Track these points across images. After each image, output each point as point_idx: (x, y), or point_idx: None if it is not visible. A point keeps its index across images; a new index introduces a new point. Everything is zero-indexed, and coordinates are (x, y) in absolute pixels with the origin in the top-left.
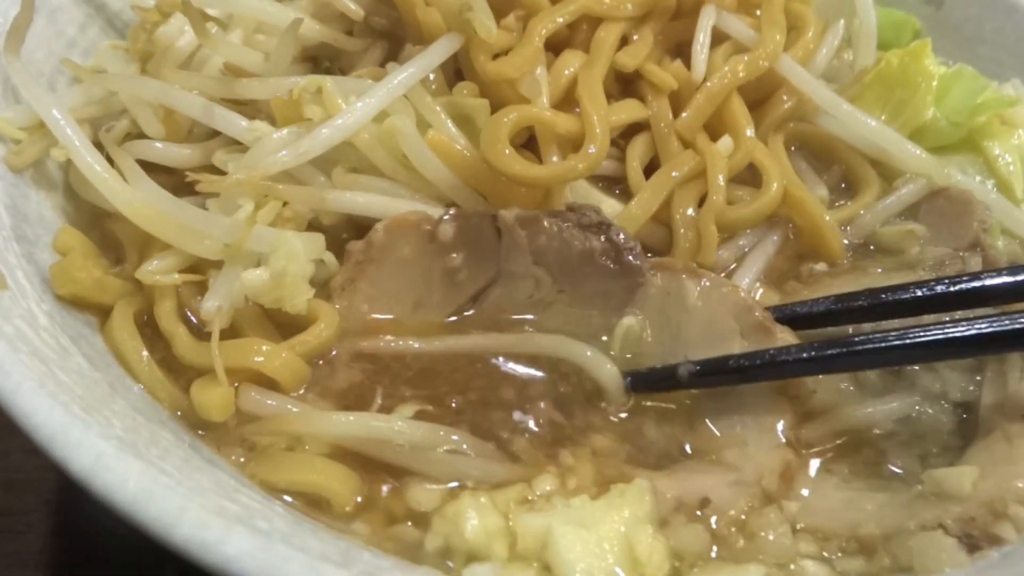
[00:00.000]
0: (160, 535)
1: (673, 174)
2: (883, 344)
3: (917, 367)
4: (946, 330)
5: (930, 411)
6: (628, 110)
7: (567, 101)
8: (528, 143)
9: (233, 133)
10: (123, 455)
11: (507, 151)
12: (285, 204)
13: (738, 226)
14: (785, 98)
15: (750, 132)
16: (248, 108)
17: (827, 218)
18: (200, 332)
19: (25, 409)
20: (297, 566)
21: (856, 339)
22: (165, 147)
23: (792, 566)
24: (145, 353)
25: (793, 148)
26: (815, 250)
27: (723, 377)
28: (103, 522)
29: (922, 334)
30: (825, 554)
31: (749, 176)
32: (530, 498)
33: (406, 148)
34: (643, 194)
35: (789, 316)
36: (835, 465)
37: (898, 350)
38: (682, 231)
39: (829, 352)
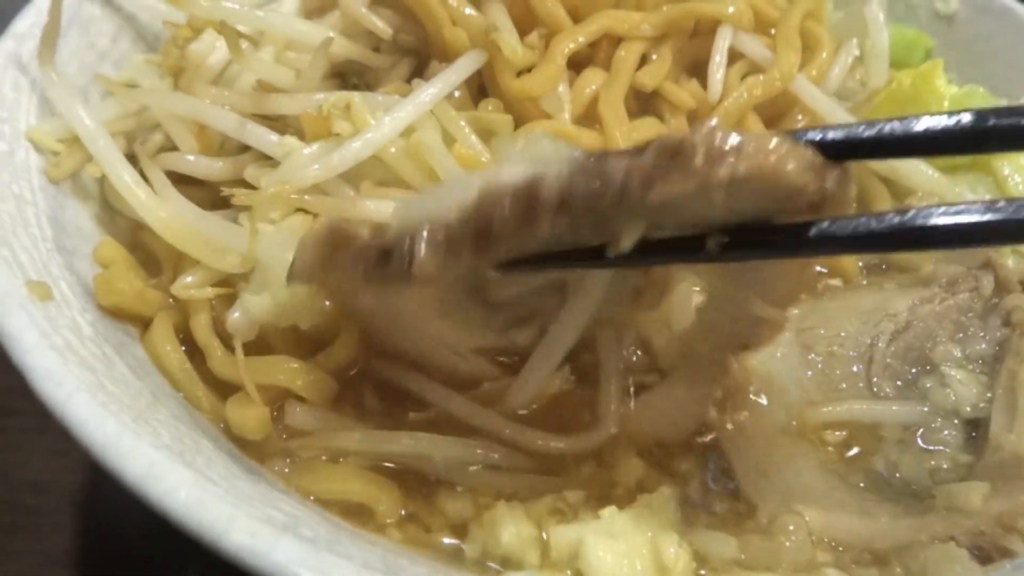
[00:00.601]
0: (211, 543)
1: None
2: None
3: (929, 383)
4: None
5: (940, 425)
6: (647, 128)
7: (588, 118)
8: None
9: (264, 148)
10: (173, 464)
11: None
12: (316, 218)
13: None
14: (799, 117)
15: None
16: (277, 124)
17: None
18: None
19: (79, 419)
20: (345, 572)
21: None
22: (197, 160)
23: (813, 574)
24: (188, 365)
25: None
26: (830, 267)
27: (760, 251)
28: (128, 523)
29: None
30: (841, 564)
31: None
32: (562, 509)
33: (433, 161)
34: None
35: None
36: (851, 476)
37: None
38: None
39: (887, 224)
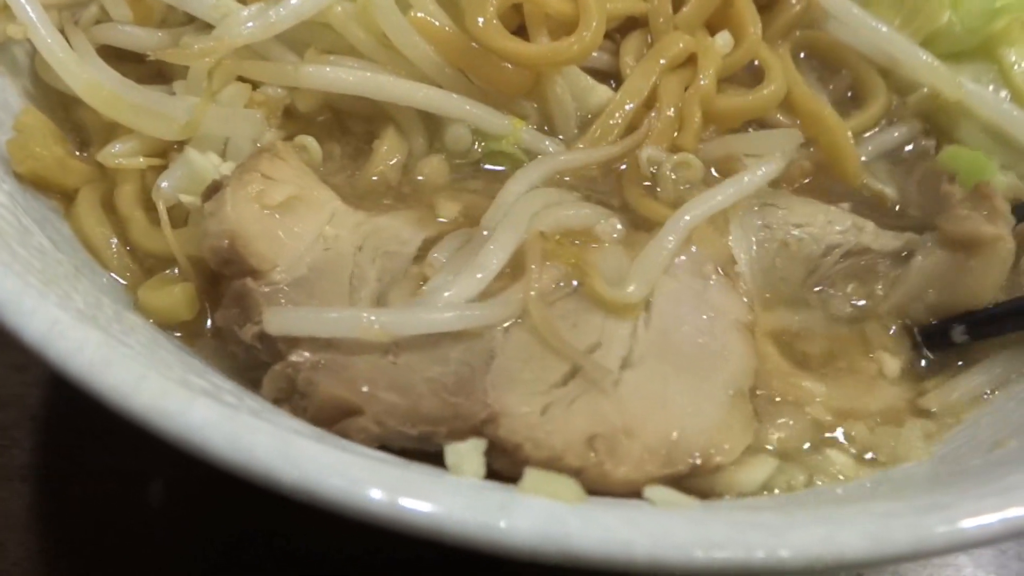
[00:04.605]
0: (117, 404)
1: (660, 61)
2: None
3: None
4: None
5: None
6: (626, 1)
7: None
8: (517, 33)
9: (199, 12)
10: (81, 324)
11: (495, 22)
12: (256, 89)
13: (730, 117)
14: (793, 1)
15: (756, 30)
16: None
17: (844, 129)
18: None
19: None
20: (266, 436)
21: None
22: (132, 30)
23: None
24: (114, 240)
25: (803, 55)
26: (831, 171)
27: None
28: (89, 438)
29: None
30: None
31: (754, 81)
32: None
33: (384, 24)
34: (632, 79)
35: None
36: None
37: None
38: (661, 110)
39: None
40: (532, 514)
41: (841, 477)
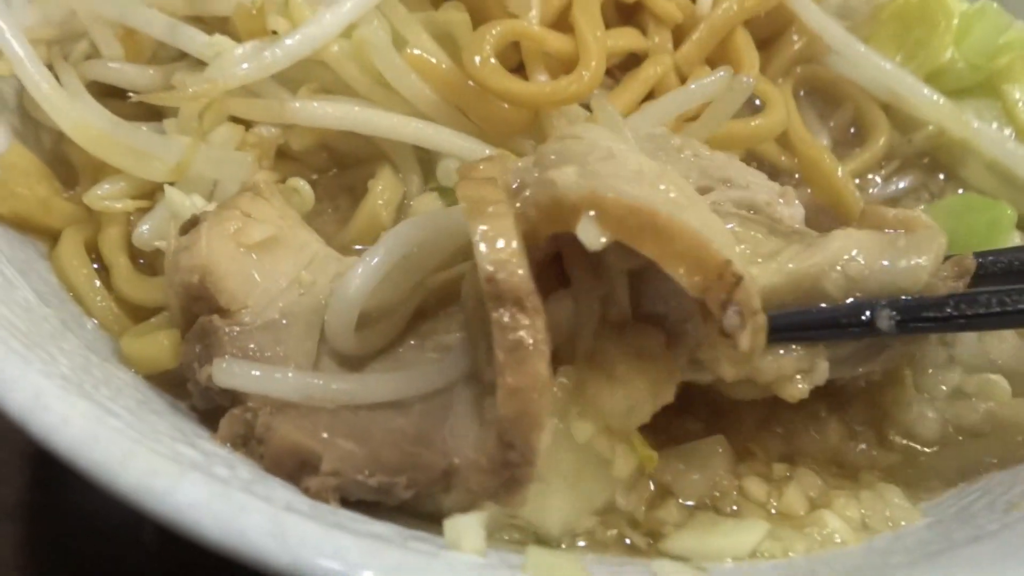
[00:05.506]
0: (104, 483)
1: (634, 85)
2: None
3: None
4: None
5: None
6: (627, 38)
7: (560, 27)
8: (516, 71)
9: (192, 50)
10: (66, 394)
11: (492, 61)
12: (249, 129)
13: (720, 144)
14: (795, 37)
15: (753, 68)
16: (217, 27)
17: (842, 176)
18: (147, 266)
19: None
20: (258, 516)
21: None
22: (122, 67)
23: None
24: (98, 282)
25: (802, 93)
26: (831, 208)
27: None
28: (80, 476)
29: None
30: None
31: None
32: None
33: (379, 63)
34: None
35: None
36: None
37: None
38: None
39: None
40: None
41: (838, 540)
